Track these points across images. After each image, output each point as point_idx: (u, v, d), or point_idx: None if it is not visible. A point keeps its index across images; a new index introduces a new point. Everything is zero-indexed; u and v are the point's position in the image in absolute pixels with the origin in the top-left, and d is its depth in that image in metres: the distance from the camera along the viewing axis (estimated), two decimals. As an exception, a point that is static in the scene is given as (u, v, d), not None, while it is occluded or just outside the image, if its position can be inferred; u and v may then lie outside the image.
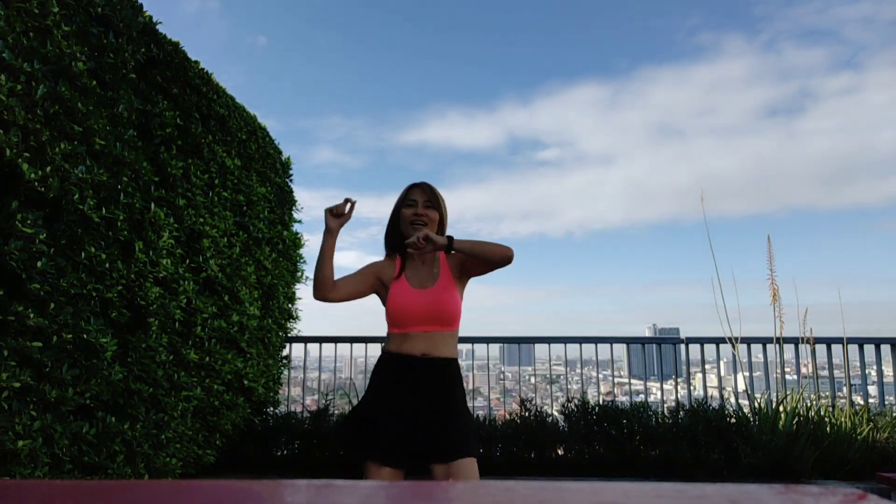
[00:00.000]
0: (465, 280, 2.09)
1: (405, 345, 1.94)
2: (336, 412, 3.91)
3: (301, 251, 4.46)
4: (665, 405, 4.41)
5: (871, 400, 4.43)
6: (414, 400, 1.89)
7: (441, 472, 1.81)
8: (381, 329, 2.08)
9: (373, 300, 2.12)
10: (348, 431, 1.95)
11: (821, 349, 4.50)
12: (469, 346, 5.13)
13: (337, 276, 2.00)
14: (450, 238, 1.90)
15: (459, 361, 2.06)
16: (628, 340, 4.69)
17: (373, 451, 1.83)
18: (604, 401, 4.03)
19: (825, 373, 4.48)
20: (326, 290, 1.97)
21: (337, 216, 1.98)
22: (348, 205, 1.98)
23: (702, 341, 4.59)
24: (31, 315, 1.81)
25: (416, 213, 2.05)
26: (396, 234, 2.11)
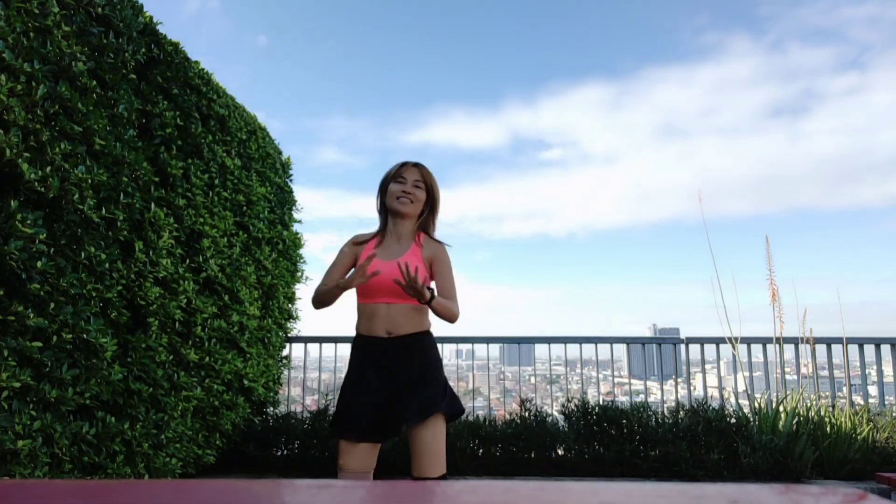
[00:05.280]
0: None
1: (372, 324, 1.98)
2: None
3: (301, 251, 4.47)
4: (665, 405, 4.41)
5: (871, 400, 4.42)
6: (383, 378, 1.95)
7: (412, 434, 1.88)
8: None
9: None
10: (338, 411, 2.02)
11: (821, 349, 4.50)
12: (469, 346, 5.13)
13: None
14: (432, 294, 1.90)
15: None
16: (628, 340, 4.69)
17: (346, 430, 1.92)
18: (604, 401, 4.02)
19: (825, 373, 4.48)
20: (327, 307, 2.08)
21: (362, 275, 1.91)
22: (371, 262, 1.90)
23: (702, 341, 4.59)
24: (31, 315, 1.81)
25: (405, 190, 2.05)
26: (382, 208, 2.16)
